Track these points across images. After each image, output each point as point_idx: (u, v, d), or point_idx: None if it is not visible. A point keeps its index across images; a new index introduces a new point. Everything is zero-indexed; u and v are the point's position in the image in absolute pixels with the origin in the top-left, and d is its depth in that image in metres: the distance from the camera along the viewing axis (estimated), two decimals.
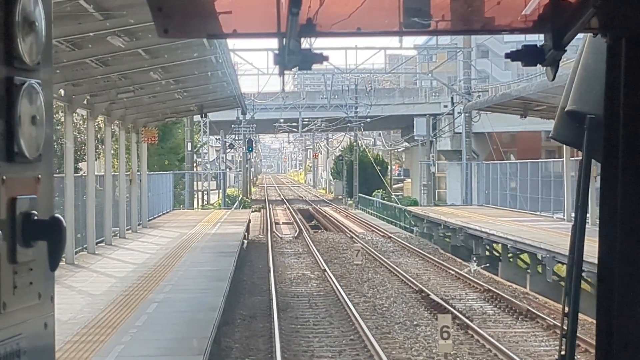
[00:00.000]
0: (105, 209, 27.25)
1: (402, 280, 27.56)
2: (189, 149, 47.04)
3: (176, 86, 25.13)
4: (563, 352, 2.51)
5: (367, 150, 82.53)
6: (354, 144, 74.95)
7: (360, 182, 75.29)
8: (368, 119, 66.08)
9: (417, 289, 25.44)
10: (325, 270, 29.48)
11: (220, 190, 71.39)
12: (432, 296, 23.75)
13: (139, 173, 33.11)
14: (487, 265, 31.33)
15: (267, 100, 73.27)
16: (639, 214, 2.24)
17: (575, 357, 2.59)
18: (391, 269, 30.07)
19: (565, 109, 2.73)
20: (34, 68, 2.07)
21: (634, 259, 2.24)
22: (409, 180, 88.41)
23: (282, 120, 75.98)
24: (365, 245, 37.87)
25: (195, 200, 63.59)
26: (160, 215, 39.90)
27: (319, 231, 47.50)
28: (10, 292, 1.97)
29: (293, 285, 27.08)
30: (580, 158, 2.52)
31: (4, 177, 1.95)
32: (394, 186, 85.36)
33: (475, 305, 23.36)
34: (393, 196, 66.53)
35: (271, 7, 2.43)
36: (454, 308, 22.09)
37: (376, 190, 73.90)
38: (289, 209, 67.83)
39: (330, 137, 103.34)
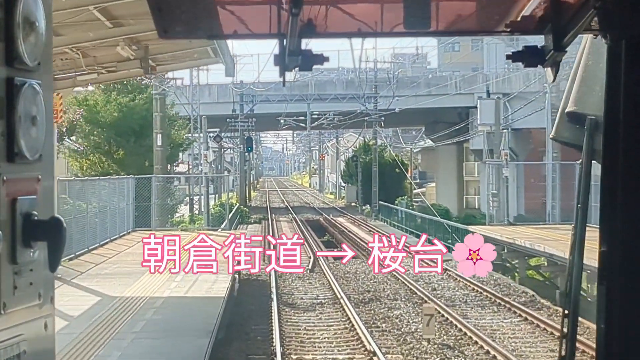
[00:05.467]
0: None
1: None
2: (159, 143, 32.85)
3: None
4: (563, 354, 2.48)
5: (386, 149, 68.44)
6: (372, 142, 60.85)
7: (378, 187, 61.41)
8: (396, 109, 52.12)
9: None
10: (374, 353, 15.72)
11: (213, 199, 57.42)
12: None
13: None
14: None
15: (268, 90, 59.20)
16: None
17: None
18: (488, 347, 16.33)
19: (566, 110, 2.72)
20: (34, 69, 2.02)
21: (634, 260, 2.12)
22: (432, 184, 74.42)
23: (283, 121, 61.80)
24: (414, 284, 24.16)
25: (189, 208, 49.56)
26: (104, 243, 24.83)
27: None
28: (11, 293, 1.92)
29: None
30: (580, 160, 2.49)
31: (5, 178, 1.92)
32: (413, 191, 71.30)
33: None
34: (427, 204, 52.59)
35: (272, 7, 2.33)
36: None
37: (399, 198, 59.99)
38: (295, 221, 53.70)
39: (341, 135, 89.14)
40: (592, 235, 2.22)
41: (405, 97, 56.33)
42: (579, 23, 2.21)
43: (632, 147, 2.11)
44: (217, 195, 59.62)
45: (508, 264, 28.08)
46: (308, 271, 28.05)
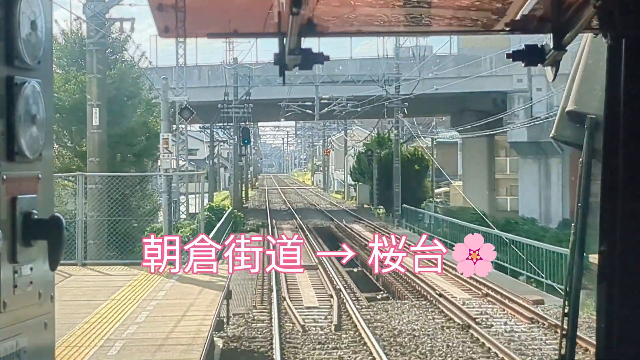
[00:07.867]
0: None
1: None
2: (94, 122, 21.43)
3: None
4: (563, 352, 2.43)
5: (405, 142, 57.53)
6: (394, 132, 49.99)
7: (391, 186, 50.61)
8: (435, 87, 41.37)
9: None
10: None
11: (211, 197, 46.62)
12: None
13: None
14: None
15: (267, 70, 48.30)
16: None
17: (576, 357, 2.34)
18: None
19: (566, 109, 2.68)
20: (34, 67, 2.00)
21: (634, 260, 2.08)
22: (458, 183, 63.80)
23: (285, 107, 50.99)
24: (509, 353, 13.52)
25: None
26: None
27: (379, 300, 22.71)
28: (11, 292, 1.88)
29: None
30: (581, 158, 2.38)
31: (5, 177, 1.88)
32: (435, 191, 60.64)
33: None
34: (472, 206, 41.86)
35: (272, 7, 2.32)
36: None
37: (427, 200, 49.29)
38: (301, 228, 42.85)
39: (349, 128, 78.23)
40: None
41: (433, 79, 45.69)
42: (579, 22, 2.18)
43: (632, 146, 2.07)
44: (210, 194, 49.11)
45: None
46: (333, 328, 17.10)
